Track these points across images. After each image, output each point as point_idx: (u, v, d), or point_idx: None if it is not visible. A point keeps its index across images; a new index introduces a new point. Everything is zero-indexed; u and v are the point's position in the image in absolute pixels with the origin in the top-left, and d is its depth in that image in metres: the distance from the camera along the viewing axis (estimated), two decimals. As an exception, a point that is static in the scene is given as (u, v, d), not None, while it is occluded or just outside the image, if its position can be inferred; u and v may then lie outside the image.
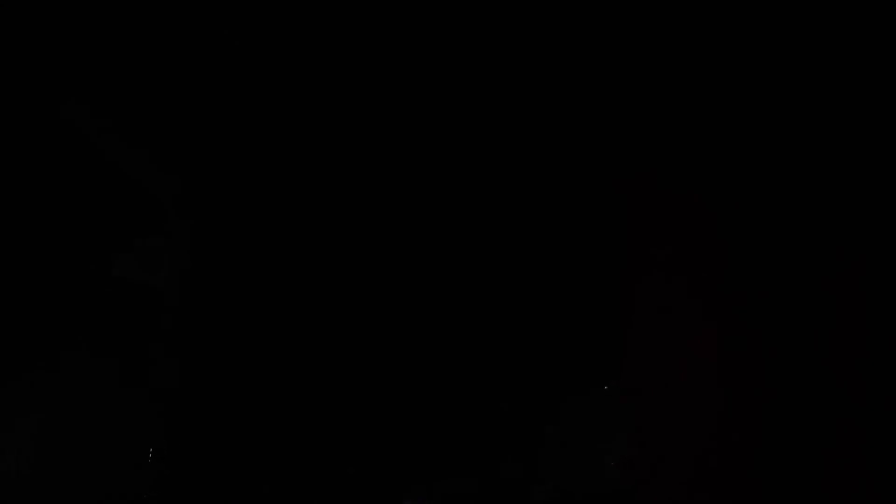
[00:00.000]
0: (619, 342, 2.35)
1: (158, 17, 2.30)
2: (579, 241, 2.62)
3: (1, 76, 2.40)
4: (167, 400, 2.50)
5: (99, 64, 2.45)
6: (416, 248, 2.71)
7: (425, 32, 2.36)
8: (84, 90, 2.52)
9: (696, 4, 2.23)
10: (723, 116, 2.27)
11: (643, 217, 2.40)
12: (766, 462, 1.98)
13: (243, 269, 2.68)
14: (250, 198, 2.73)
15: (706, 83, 2.30)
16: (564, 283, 2.59)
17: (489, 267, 2.67)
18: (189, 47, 2.40)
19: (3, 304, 2.58)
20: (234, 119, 2.65)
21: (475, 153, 2.66)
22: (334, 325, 2.64)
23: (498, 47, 2.39)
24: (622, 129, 2.49)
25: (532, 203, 2.67)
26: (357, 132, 2.66)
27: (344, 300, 2.67)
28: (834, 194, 2.05)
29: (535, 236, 2.66)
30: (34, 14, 2.25)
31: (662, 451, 2.15)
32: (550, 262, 2.63)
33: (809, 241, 2.07)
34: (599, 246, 2.57)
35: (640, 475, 2.17)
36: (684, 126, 2.34)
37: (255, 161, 2.73)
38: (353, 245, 2.72)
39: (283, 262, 2.70)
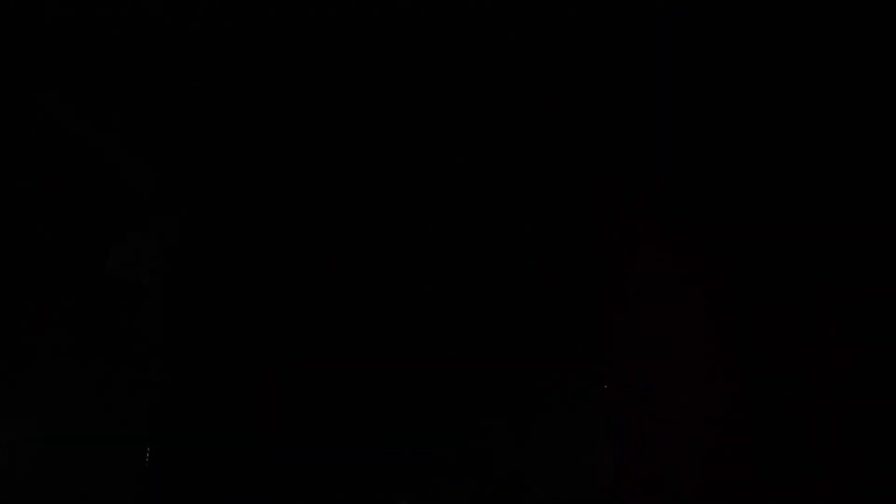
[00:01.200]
0: (612, 343, 2.36)
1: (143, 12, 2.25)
2: (571, 240, 2.62)
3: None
4: (160, 399, 2.46)
5: (81, 57, 2.40)
6: (405, 245, 2.69)
7: (411, 28, 2.34)
8: (67, 84, 2.46)
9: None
10: (718, 114, 2.28)
11: (633, 214, 2.40)
12: (762, 463, 1.99)
13: (232, 266, 2.64)
14: (237, 193, 2.69)
15: (705, 83, 2.30)
16: (562, 282, 2.58)
17: (482, 266, 2.65)
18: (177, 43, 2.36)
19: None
20: (219, 113, 2.61)
21: (462, 149, 2.64)
22: (328, 323, 2.61)
23: (492, 47, 2.37)
24: (616, 128, 2.48)
25: (524, 201, 2.66)
26: (343, 129, 2.63)
27: (335, 298, 2.65)
28: (830, 193, 2.07)
29: (523, 234, 2.65)
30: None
31: (658, 452, 2.16)
32: (543, 260, 2.62)
33: (806, 239, 2.08)
34: (590, 245, 2.57)
35: (636, 478, 2.17)
36: (680, 124, 2.34)
37: (242, 156, 2.69)
38: (345, 242, 2.70)
39: (274, 259, 2.66)
